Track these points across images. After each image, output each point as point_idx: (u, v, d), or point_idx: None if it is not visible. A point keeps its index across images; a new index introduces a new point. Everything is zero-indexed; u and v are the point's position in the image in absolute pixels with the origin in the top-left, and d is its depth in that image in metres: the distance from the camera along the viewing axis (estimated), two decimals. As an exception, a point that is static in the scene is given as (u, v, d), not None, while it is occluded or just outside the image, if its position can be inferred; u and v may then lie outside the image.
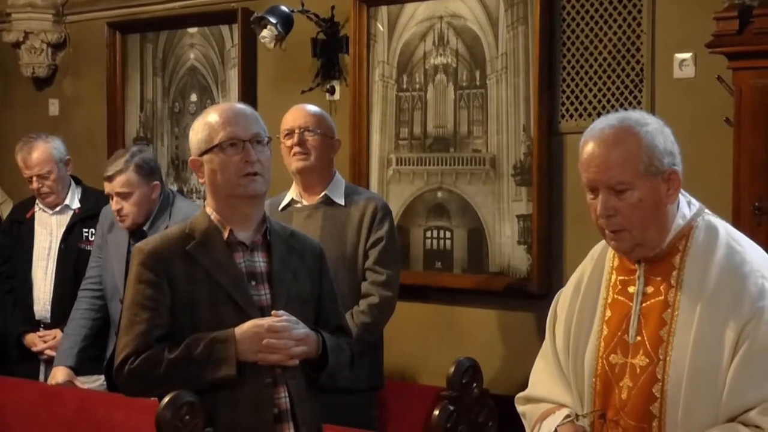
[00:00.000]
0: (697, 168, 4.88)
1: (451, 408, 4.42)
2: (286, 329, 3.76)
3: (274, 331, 3.73)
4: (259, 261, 3.97)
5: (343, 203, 5.16)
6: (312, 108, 5.26)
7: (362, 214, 5.10)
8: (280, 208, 5.17)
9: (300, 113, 5.17)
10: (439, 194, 6.35)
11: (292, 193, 5.21)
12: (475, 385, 4.44)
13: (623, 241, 3.12)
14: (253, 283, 3.92)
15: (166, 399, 3.65)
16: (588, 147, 3.12)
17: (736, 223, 4.47)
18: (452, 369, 4.46)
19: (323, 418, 4.20)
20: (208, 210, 3.96)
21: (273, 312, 3.79)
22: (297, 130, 5.06)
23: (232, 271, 3.88)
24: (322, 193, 5.16)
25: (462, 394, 4.46)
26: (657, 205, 3.10)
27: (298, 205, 5.19)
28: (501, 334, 5.73)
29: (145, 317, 3.78)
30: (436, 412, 4.41)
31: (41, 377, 6.26)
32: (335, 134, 5.28)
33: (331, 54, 6.78)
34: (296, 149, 5.06)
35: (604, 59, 5.81)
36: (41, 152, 6.46)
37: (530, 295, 5.73)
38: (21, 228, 6.66)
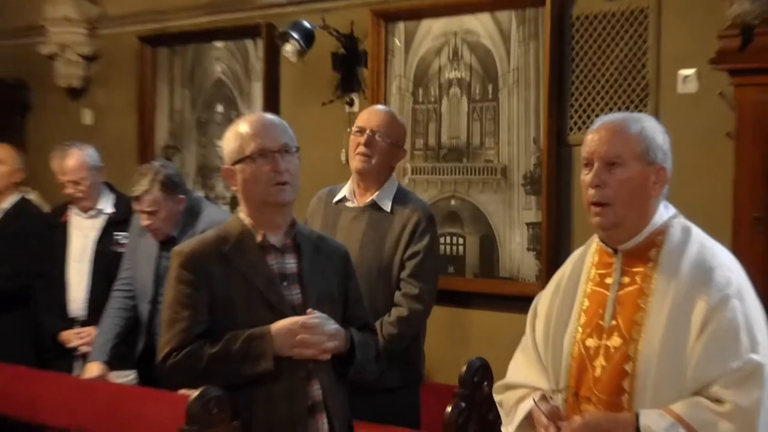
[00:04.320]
0: (699, 179, 4.98)
1: (463, 405, 4.53)
2: (318, 326, 3.80)
3: (307, 328, 3.77)
4: (290, 262, 4.01)
5: (389, 210, 5.10)
6: (388, 113, 5.20)
7: (405, 224, 5.04)
8: (334, 200, 5.18)
9: (375, 115, 5.10)
10: (453, 202, 6.46)
11: (347, 189, 5.16)
12: (485, 383, 4.50)
13: (605, 217, 3.25)
14: (285, 283, 3.95)
15: (195, 394, 3.74)
16: (594, 128, 3.36)
17: (737, 233, 4.59)
18: (464, 369, 4.59)
19: (368, 415, 4.31)
20: (242, 215, 4.01)
21: (308, 310, 3.84)
22: (368, 131, 4.99)
23: (266, 272, 3.92)
24: (370, 198, 5.09)
25: (473, 392, 4.56)
26: (642, 190, 3.26)
27: (348, 204, 5.16)
28: (510, 337, 5.76)
29: (186, 315, 3.83)
30: (450, 409, 4.48)
31: (75, 372, 6.34)
32: (404, 143, 5.23)
33: (351, 68, 6.88)
34: (361, 149, 4.98)
35: (611, 74, 5.94)
36: (76, 159, 6.58)
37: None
38: (56, 231, 6.72)
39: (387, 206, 5.03)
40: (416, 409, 5.16)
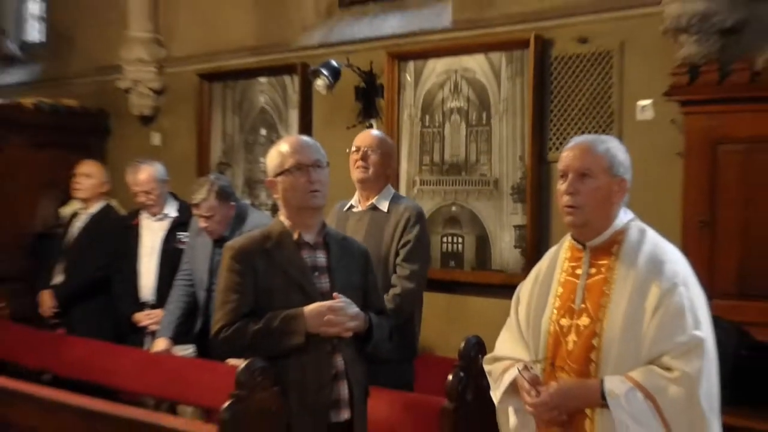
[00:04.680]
0: (655, 189, 5.00)
1: (462, 374, 4.50)
2: (342, 309, 3.86)
3: (333, 310, 3.84)
4: (320, 257, 4.08)
5: (386, 210, 5.18)
6: (377, 133, 5.34)
7: (398, 220, 5.10)
8: (344, 209, 5.27)
9: (367, 136, 5.24)
10: (453, 208, 6.48)
11: (354, 199, 5.27)
12: (480, 357, 4.46)
13: (577, 217, 3.33)
14: (316, 273, 4.03)
15: (243, 364, 3.77)
16: (569, 147, 3.43)
17: (685, 234, 4.61)
18: (463, 345, 4.58)
19: (373, 381, 4.28)
20: (281, 218, 4.08)
21: (334, 294, 3.90)
22: (363, 148, 5.12)
23: (300, 265, 4.00)
24: (370, 202, 5.20)
25: (470, 365, 4.54)
26: (607, 197, 3.33)
27: (354, 210, 5.24)
28: (500, 318, 5.72)
29: (235, 298, 3.92)
30: (451, 377, 4.48)
31: (145, 346, 6.40)
32: (392, 157, 5.34)
33: (370, 98, 6.90)
34: (359, 163, 5.11)
35: (583, 104, 5.96)
36: (147, 173, 6.63)
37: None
38: (130, 232, 6.80)
39: (384, 207, 5.11)
40: (411, 379, 5.22)
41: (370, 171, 5.09)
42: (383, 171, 5.15)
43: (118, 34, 8.37)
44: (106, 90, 8.56)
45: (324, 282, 4.02)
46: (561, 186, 3.38)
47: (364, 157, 5.08)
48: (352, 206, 5.25)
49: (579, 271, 3.41)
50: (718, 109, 4.84)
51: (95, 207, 7.15)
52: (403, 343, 5.02)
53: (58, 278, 7.09)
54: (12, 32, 10.34)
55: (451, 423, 4.50)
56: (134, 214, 6.83)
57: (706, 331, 3.17)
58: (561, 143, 5.90)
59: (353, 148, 5.14)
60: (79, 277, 6.97)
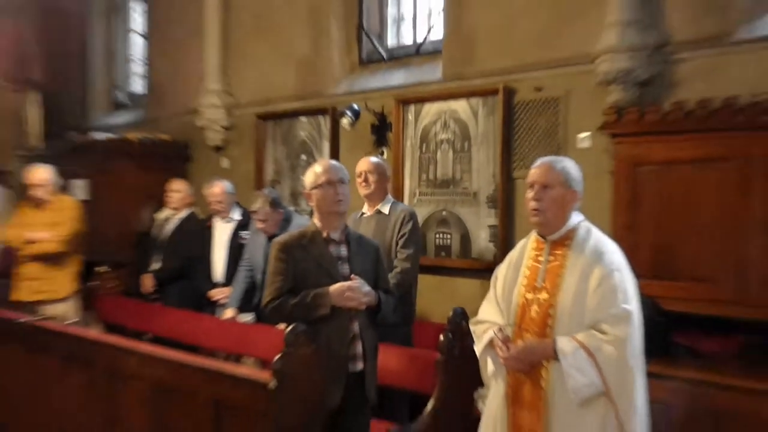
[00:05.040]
0: (592, 200, 4.86)
1: (450, 335, 4.46)
2: (358, 288, 3.96)
3: (351, 289, 3.93)
4: (343, 250, 4.15)
5: (387, 213, 5.22)
6: (373, 159, 5.34)
7: (396, 219, 5.15)
8: (358, 216, 5.31)
9: (365, 162, 5.28)
10: (444, 213, 6.45)
11: (364, 208, 5.33)
12: (464, 323, 4.43)
13: (540, 217, 3.39)
14: (339, 262, 4.11)
15: (289, 328, 3.78)
16: (535, 165, 3.48)
17: (614, 233, 4.54)
18: (451, 313, 4.58)
19: (383, 340, 4.34)
20: (315, 221, 4.18)
21: (351, 276, 3.98)
22: (363, 172, 5.20)
23: (328, 255, 4.09)
24: (375, 208, 5.25)
25: (456, 328, 4.49)
26: (562, 204, 3.39)
27: (364, 215, 5.30)
28: (478, 293, 5.68)
29: (279, 279, 4.03)
30: (442, 338, 4.45)
31: (217, 314, 6.44)
32: (387, 174, 5.37)
33: (382, 132, 6.89)
34: (362, 183, 5.21)
35: (538, 137, 5.92)
36: (219, 188, 6.69)
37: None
38: (206, 231, 6.90)
39: (386, 210, 5.20)
40: (410, 338, 5.23)
41: (372, 188, 5.20)
42: (381, 186, 5.23)
43: (197, 86, 8.36)
44: (188, 127, 8.54)
45: (345, 268, 4.08)
46: (529, 194, 3.43)
47: (365, 179, 5.19)
48: (363, 213, 5.31)
49: (541, 258, 3.45)
50: (638, 140, 4.80)
51: (182, 213, 7.22)
52: (404, 311, 5.07)
53: (155, 265, 7.17)
54: (122, 86, 10.36)
55: (443, 372, 4.49)
56: (209, 218, 6.86)
57: (633, 306, 3.21)
58: (522, 165, 5.88)
59: (357, 173, 5.20)
60: (171, 264, 7.03)
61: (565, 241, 3.40)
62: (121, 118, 9.91)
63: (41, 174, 6.72)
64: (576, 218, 3.44)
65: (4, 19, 10.31)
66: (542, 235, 3.48)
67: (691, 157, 4.58)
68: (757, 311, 4.31)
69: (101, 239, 7.62)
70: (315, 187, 4.13)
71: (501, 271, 3.64)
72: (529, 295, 3.39)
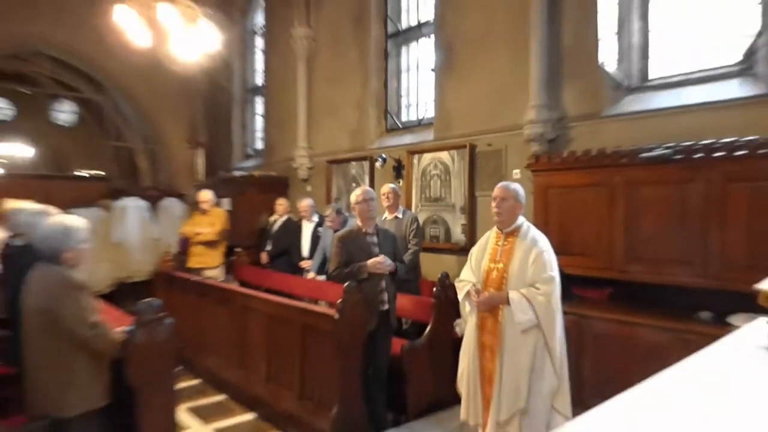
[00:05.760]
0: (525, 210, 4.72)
1: (440, 288, 4.34)
2: (384, 261, 3.89)
3: (380, 262, 3.87)
4: (374, 239, 4.03)
5: (401, 217, 5.07)
6: (392, 185, 5.18)
7: (407, 221, 4.99)
8: (383, 218, 5.12)
9: (387, 187, 5.13)
10: (435, 217, 6.21)
11: (386, 213, 5.15)
12: (447, 281, 4.30)
13: (500, 218, 3.28)
14: (373, 247, 3.98)
15: (345, 284, 3.69)
16: (498, 186, 3.34)
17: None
18: (440, 275, 4.43)
19: (399, 291, 4.21)
20: (358, 222, 4.06)
21: (381, 256, 3.87)
22: (386, 193, 5.08)
23: (366, 243, 3.98)
24: (394, 214, 5.08)
25: (443, 285, 4.37)
26: (513, 210, 3.28)
27: (387, 218, 5.11)
28: (456, 264, 5.56)
29: (338, 257, 3.94)
30: (435, 290, 4.34)
31: (305, 276, 6.21)
32: (400, 194, 5.29)
33: (399, 170, 6.69)
34: (386, 201, 5.08)
35: (489, 172, 5.69)
36: (305, 203, 6.52)
37: (465, 250, 5.53)
38: (298, 228, 6.66)
39: (400, 215, 5.04)
40: (418, 290, 5.05)
41: (391, 202, 5.05)
42: (396, 201, 5.09)
43: (293, 144, 8.22)
44: (288, 168, 8.39)
45: (376, 250, 3.95)
46: (493, 204, 3.29)
47: (388, 197, 5.05)
48: (386, 217, 5.12)
49: (499, 243, 3.28)
50: (548, 174, 4.62)
51: (283, 217, 7.01)
52: (414, 274, 4.95)
53: (268, 247, 6.95)
54: (250, 144, 10.31)
55: (436, 309, 4.36)
56: (300, 220, 6.66)
57: (555, 273, 3.11)
58: (481, 189, 5.68)
59: (382, 193, 5.09)
60: (277, 247, 6.81)
61: (514, 233, 3.25)
62: (250, 163, 9.80)
63: (205, 195, 6.68)
64: (521, 219, 3.30)
65: (185, 103, 10.33)
66: (500, 229, 3.31)
67: (579, 183, 4.43)
68: (620, 274, 4.18)
69: (238, 232, 7.51)
70: (357, 203, 3.99)
71: (474, 251, 3.46)
72: (492, 265, 3.24)
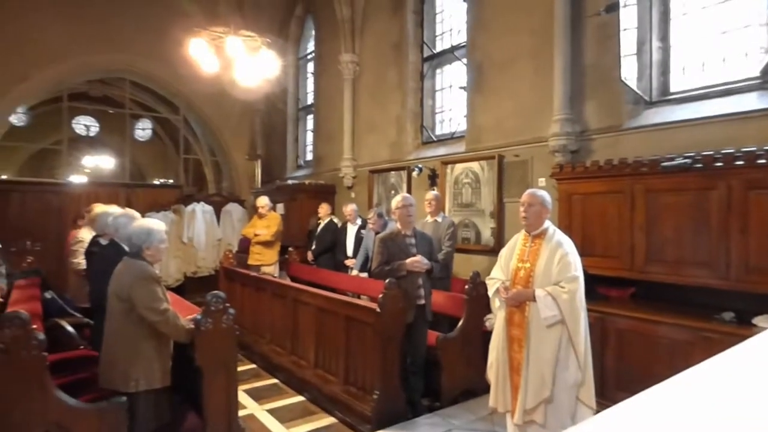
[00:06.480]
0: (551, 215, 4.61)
1: (471, 286, 4.27)
2: (420, 261, 3.89)
3: (417, 261, 3.88)
4: (412, 241, 4.02)
5: (440, 220, 5.02)
6: (434, 193, 5.19)
7: (445, 225, 4.96)
8: (425, 220, 5.09)
9: (430, 194, 5.12)
10: (466, 221, 6.12)
11: (428, 217, 5.10)
12: (479, 279, 4.22)
13: (527, 222, 3.15)
14: (411, 247, 3.97)
15: (386, 281, 3.63)
16: (526, 193, 3.20)
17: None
18: (471, 274, 4.35)
19: (434, 287, 4.18)
20: (397, 225, 4.07)
21: (418, 256, 3.85)
22: (429, 200, 5.05)
23: (405, 244, 3.98)
24: (434, 218, 5.03)
25: (475, 283, 4.27)
26: (539, 215, 3.14)
27: (428, 221, 5.06)
28: (485, 264, 5.48)
29: (380, 258, 3.94)
30: (467, 287, 4.26)
31: (349, 273, 6.22)
32: (441, 201, 5.32)
33: (434, 179, 6.62)
34: (428, 207, 5.04)
35: (517, 181, 5.56)
36: (350, 208, 6.51)
37: (494, 251, 5.47)
38: (343, 229, 6.66)
39: (440, 220, 4.98)
40: (449, 287, 4.98)
41: (433, 208, 4.99)
42: (437, 207, 5.03)
43: (339, 156, 8.23)
44: (334, 177, 8.43)
45: (413, 250, 3.93)
46: (521, 209, 3.17)
47: (430, 204, 4.98)
48: (427, 220, 5.06)
49: (527, 245, 3.16)
50: (571, 182, 4.48)
51: (327, 219, 7.03)
52: (446, 273, 4.88)
53: (313, 246, 6.99)
54: (301, 156, 10.41)
55: (467, 305, 4.29)
56: (345, 223, 6.67)
57: (579, 273, 3.01)
58: (509, 196, 5.57)
59: (425, 200, 5.05)
60: (321, 246, 6.83)
61: (540, 235, 3.13)
62: (301, 172, 9.90)
63: (262, 201, 6.77)
64: (547, 223, 3.17)
65: (246, 121, 10.54)
66: (528, 232, 3.19)
67: (601, 191, 4.29)
68: (640, 274, 4.03)
69: (290, 233, 7.62)
70: (397, 209, 3.98)
71: (504, 252, 3.36)
72: (520, 265, 3.12)
